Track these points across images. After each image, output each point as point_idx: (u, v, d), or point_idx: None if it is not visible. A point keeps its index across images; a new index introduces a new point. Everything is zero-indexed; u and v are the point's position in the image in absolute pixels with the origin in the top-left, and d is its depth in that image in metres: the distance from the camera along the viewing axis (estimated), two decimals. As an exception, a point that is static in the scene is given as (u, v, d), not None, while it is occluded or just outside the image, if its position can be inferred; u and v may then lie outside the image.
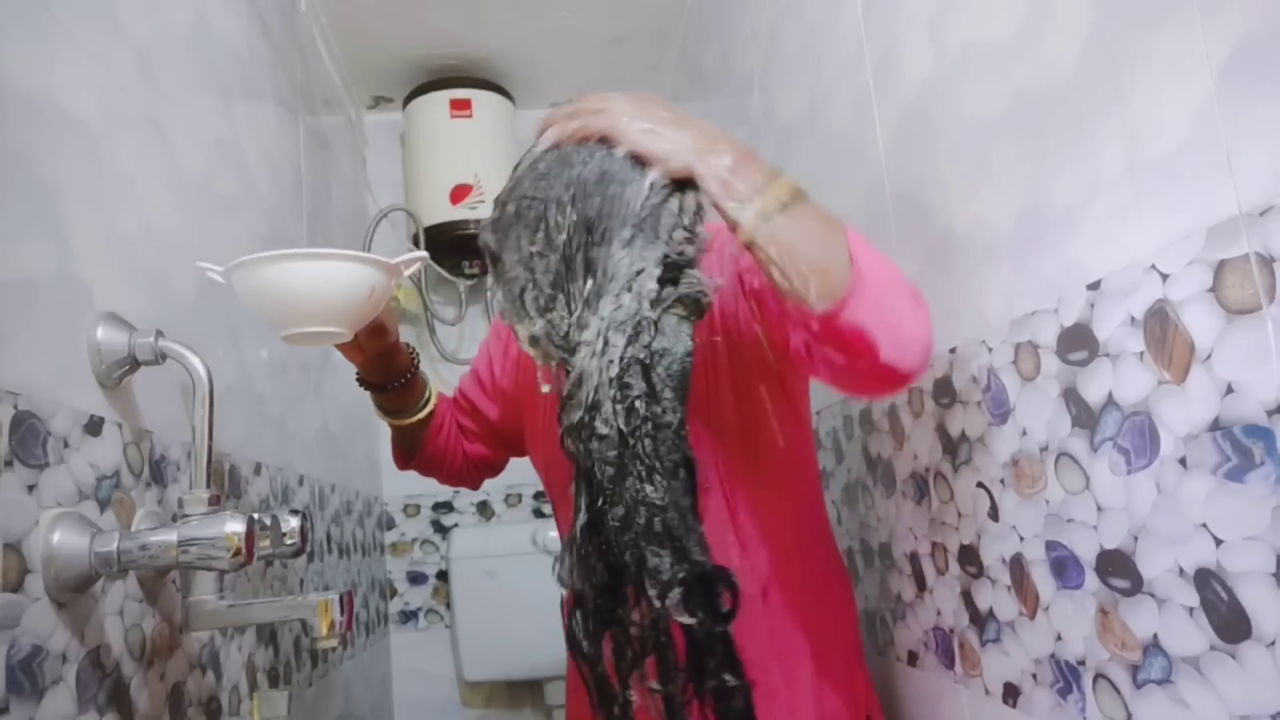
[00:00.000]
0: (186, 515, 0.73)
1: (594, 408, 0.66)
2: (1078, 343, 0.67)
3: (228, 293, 0.79)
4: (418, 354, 1.00)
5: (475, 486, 1.15)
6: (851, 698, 0.90)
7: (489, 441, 1.09)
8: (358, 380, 0.99)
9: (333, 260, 0.76)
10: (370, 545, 2.01)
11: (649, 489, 0.66)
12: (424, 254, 0.92)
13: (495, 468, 1.13)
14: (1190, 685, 0.58)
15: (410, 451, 1.07)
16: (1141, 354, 0.60)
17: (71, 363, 0.71)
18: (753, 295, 0.83)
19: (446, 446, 1.07)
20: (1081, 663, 0.69)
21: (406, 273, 0.85)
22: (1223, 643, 0.55)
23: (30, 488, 0.63)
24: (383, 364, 0.96)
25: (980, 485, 0.83)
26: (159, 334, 0.77)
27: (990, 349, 0.79)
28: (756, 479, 0.87)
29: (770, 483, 0.88)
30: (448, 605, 2.20)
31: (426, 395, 1.03)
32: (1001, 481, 0.79)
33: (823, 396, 1.27)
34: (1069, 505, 0.69)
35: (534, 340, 0.71)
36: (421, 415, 1.02)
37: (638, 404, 0.66)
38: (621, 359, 0.66)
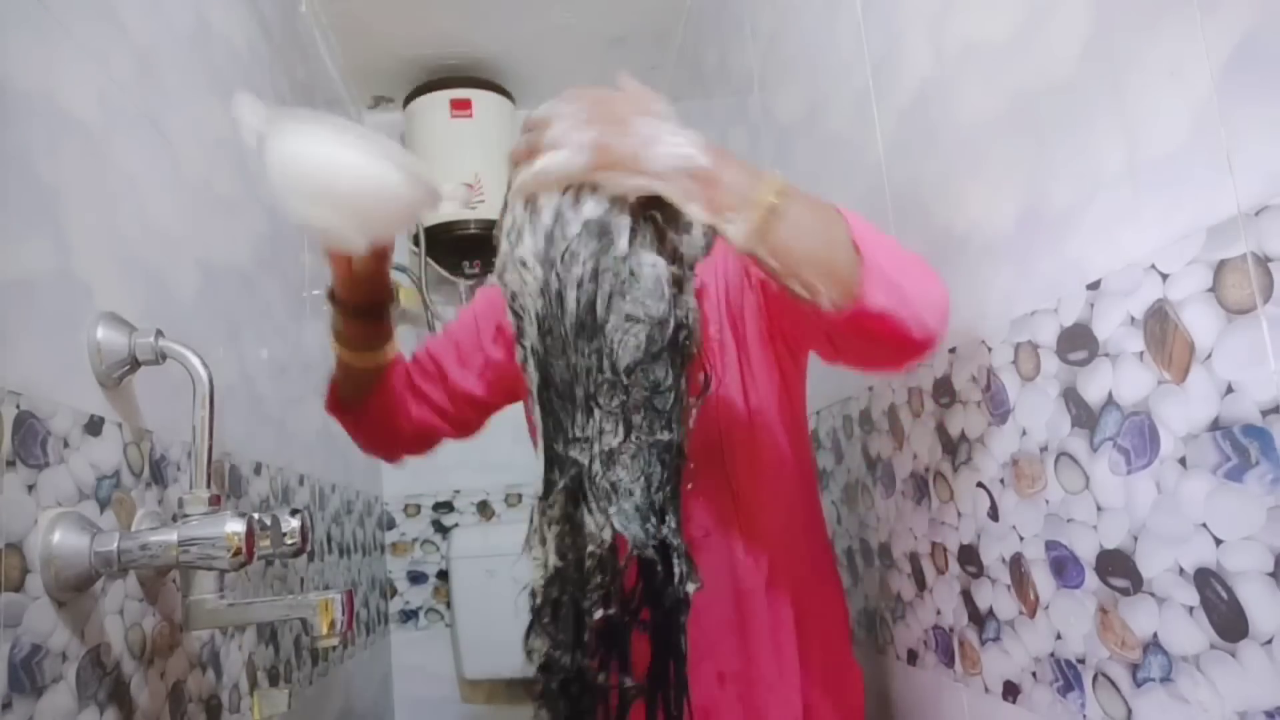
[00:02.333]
0: (187, 515, 0.73)
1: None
2: (1077, 342, 0.67)
3: (227, 292, 0.79)
4: (398, 290, 0.91)
5: (393, 459, 1.04)
6: (848, 691, 0.92)
7: (442, 412, 0.98)
8: (328, 295, 0.87)
9: (383, 162, 0.68)
10: (371, 545, 2.01)
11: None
12: (465, 187, 0.90)
13: (431, 442, 1.02)
14: (1190, 683, 0.58)
15: (351, 399, 0.94)
16: (1141, 354, 0.60)
17: (72, 362, 0.71)
18: (760, 286, 0.83)
19: (391, 406, 0.96)
20: (1081, 661, 0.69)
21: (448, 186, 0.81)
22: (1223, 641, 0.55)
23: (30, 487, 0.63)
24: (366, 285, 0.85)
25: (980, 485, 0.83)
26: (159, 334, 0.77)
27: (990, 349, 0.79)
28: (761, 475, 0.88)
29: (774, 479, 0.89)
30: (448, 604, 2.21)
31: (390, 343, 0.92)
32: (1001, 481, 0.79)
33: (823, 396, 1.27)
34: (1069, 505, 0.69)
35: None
36: (380, 361, 0.91)
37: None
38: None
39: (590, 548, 0.68)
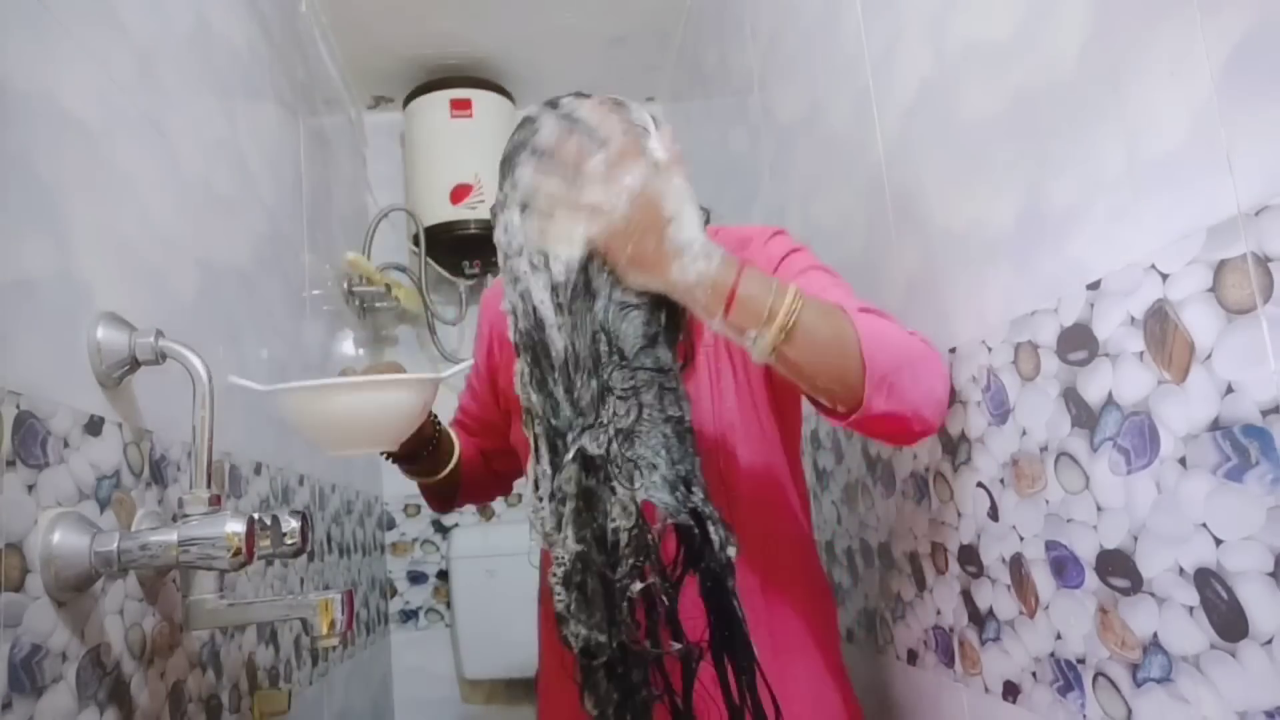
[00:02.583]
0: (187, 515, 0.73)
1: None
2: (1077, 342, 0.67)
3: (227, 292, 0.79)
4: (435, 416, 0.95)
5: (508, 492, 1.15)
6: (844, 693, 0.91)
7: (511, 451, 1.02)
8: (384, 456, 0.95)
9: (381, 390, 0.78)
10: (371, 545, 2.01)
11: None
12: (468, 363, 0.95)
13: (523, 471, 1.07)
14: (1190, 683, 0.58)
15: (448, 498, 1.07)
16: (1141, 354, 0.60)
17: (72, 362, 0.71)
18: None
19: (478, 478, 1.07)
20: (1081, 661, 0.69)
21: (447, 374, 0.86)
22: (1223, 641, 0.55)
23: (30, 487, 0.63)
24: (411, 442, 0.92)
25: (980, 485, 0.83)
26: (159, 334, 0.77)
27: (990, 349, 0.79)
28: (759, 479, 0.88)
29: (771, 485, 0.89)
30: (448, 604, 2.21)
31: (453, 447, 1.00)
32: (1001, 481, 0.79)
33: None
34: (1069, 505, 0.69)
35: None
36: (452, 471, 1.00)
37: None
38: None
39: (618, 523, 0.67)
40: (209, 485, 0.76)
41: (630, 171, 0.66)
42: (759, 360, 0.68)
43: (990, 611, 0.83)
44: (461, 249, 2.16)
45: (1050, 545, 0.72)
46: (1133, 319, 0.60)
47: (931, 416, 0.73)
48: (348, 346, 1.93)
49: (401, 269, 2.21)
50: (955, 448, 0.87)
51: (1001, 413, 0.78)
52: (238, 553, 0.67)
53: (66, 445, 0.68)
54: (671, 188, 0.67)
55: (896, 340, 0.72)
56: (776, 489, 0.90)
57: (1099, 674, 0.67)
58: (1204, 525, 0.56)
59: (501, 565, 2.06)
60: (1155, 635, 0.61)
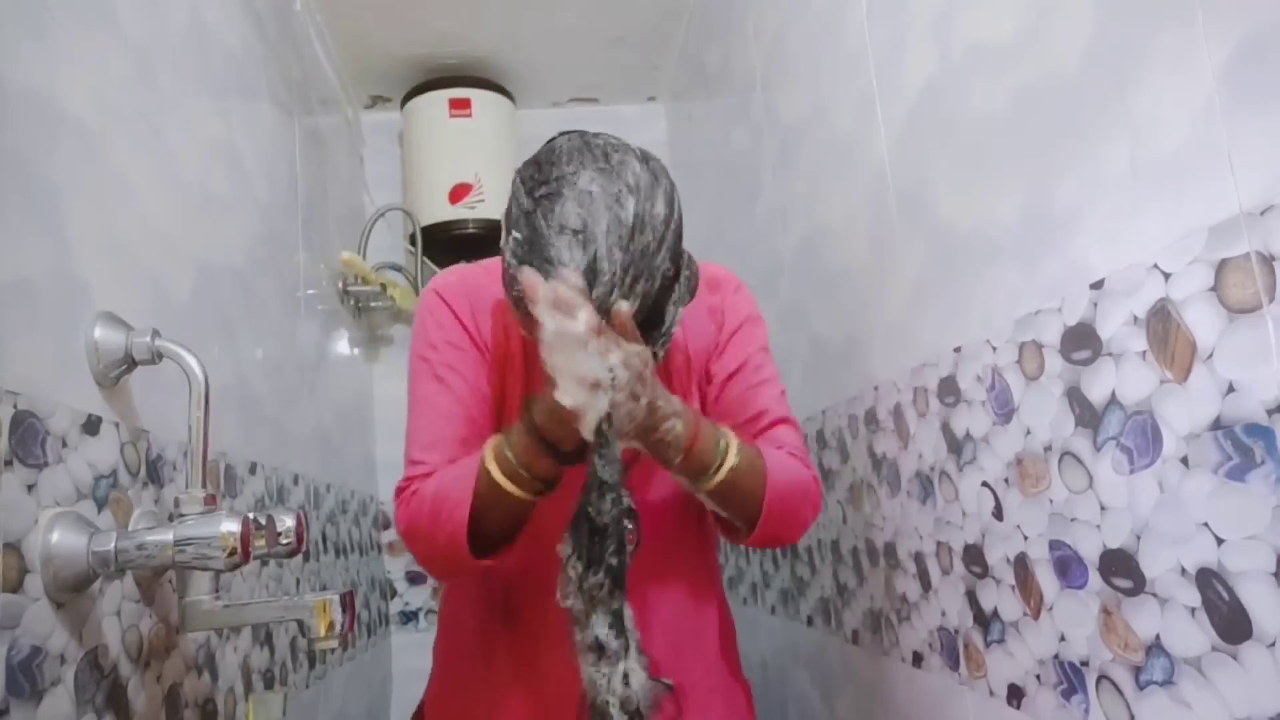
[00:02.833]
0: (183, 515, 0.73)
1: None
2: (1081, 342, 0.66)
3: (222, 292, 0.79)
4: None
5: None
6: (750, 702, 0.94)
7: None
8: (547, 451, 0.75)
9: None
10: (367, 545, 2.00)
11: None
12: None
13: None
14: (1192, 686, 0.58)
15: (503, 538, 0.79)
16: (1144, 353, 0.60)
17: (70, 362, 0.71)
18: (716, 361, 0.92)
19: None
20: (1085, 664, 0.69)
21: None
22: (1224, 643, 0.55)
23: (29, 487, 0.63)
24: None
25: (984, 485, 0.82)
26: (155, 333, 0.77)
27: (994, 348, 0.79)
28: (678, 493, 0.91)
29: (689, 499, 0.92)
30: (446, 606, 2.20)
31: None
32: (1005, 481, 0.79)
33: (828, 395, 1.26)
34: (1072, 504, 0.69)
35: None
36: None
37: None
38: None
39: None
40: (204, 485, 0.76)
41: (620, 347, 0.69)
42: (690, 490, 0.80)
43: (995, 613, 0.83)
44: (460, 248, 2.16)
45: (1054, 545, 0.72)
46: (1135, 318, 0.60)
47: (795, 538, 0.88)
48: (343, 346, 1.92)
49: (397, 268, 2.21)
50: (960, 447, 0.87)
51: (1006, 412, 0.78)
52: (233, 552, 0.67)
53: (65, 445, 0.68)
54: (646, 354, 0.72)
55: (794, 486, 0.83)
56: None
57: (1102, 677, 0.67)
58: (1205, 525, 0.55)
59: (499, 566, 2.06)
60: (1158, 637, 0.61)
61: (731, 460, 0.78)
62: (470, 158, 2.13)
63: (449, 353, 0.85)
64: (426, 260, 2.17)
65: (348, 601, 0.75)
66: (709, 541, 0.95)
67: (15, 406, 0.61)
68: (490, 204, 2.12)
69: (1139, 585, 0.62)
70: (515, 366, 0.87)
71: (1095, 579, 0.67)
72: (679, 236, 0.77)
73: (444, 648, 0.97)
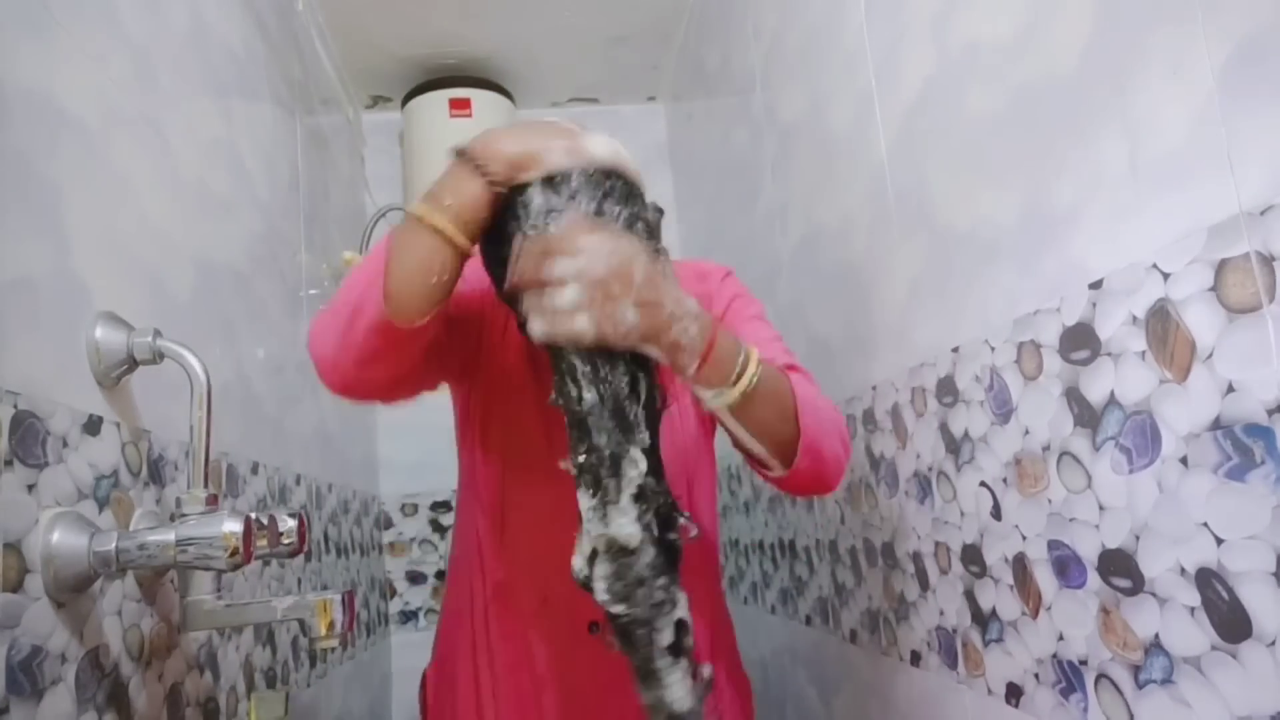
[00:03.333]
0: (184, 515, 0.73)
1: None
2: (1080, 342, 0.67)
3: (223, 292, 0.79)
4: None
5: (392, 400, 0.85)
6: (748, 700, 0.95)
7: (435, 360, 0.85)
8: (475, 170, 0.69)
9: None
10: (368, 545, 2.01)
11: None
12: None
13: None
14: (1191, 685, 0.58)
15: (427, 306, 0.71)
16: (1143, 353, 0.60)
17: (70, 362, 0.71)
18: None
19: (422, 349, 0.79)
20: (1084, 662, 0.69)
21: None
22: (1224, 642, 0.55)
23: (30, 487, 0.63)
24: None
25: (983, 484, 0.82)
26: (157, 333, 0.77)
27: (993, 348, 0.79)
28: (703, 494, 0.92)
29: (707, 499, 0.93)
30: (446, 605, 2.20)
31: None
32: (1004, 481, 0.79)
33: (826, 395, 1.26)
34: (1071, 504, 0.69)
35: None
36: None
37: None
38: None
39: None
40: (206, 485, 0.76)
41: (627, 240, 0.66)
42: (713, 411, 0.73)
43: (993, 612, 0.83)
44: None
45: (1053, 545, 0.72)
46: (1134, 318, 0.60)
47: (834, 482, 0.80)
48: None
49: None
50: (958, 447, 0.87)
51: (1004, 412, 0.78)
52: (235, 552, 0.67)
53: (65, 445, 0.68)
54: (631, 250, 0.66)
55: (823, 409, 0.79)
56: (714, 505, 0.96)
57: (1101, 675, 0.67)
58: (1205, 525, 0.56)
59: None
60: (1157, 636, 0.61)
61: (754, 369, 0.71)
62: (471, 158, 2.13)
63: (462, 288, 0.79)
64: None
65: (348, 601, 0.75)
66: (707, 536, 0.96)
67: (15, 406, 0.62)
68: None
69: (1138, 585, 0.62)
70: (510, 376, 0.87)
71: (1094, 579, 0.67)
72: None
73: (446, 616, 0.98)
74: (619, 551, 0.64)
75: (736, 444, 0.76)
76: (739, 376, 0.71)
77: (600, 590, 0.64)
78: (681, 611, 0.66)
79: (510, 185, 0.68)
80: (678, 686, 0.65)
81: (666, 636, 0.65)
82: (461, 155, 0.69)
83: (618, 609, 0.64)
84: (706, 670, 0.68)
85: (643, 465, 0.65)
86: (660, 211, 0.74)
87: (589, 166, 0.68)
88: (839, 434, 0.80)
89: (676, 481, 0.90)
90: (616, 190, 0.69)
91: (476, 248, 0.73)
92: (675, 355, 0.69)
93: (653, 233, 0.71)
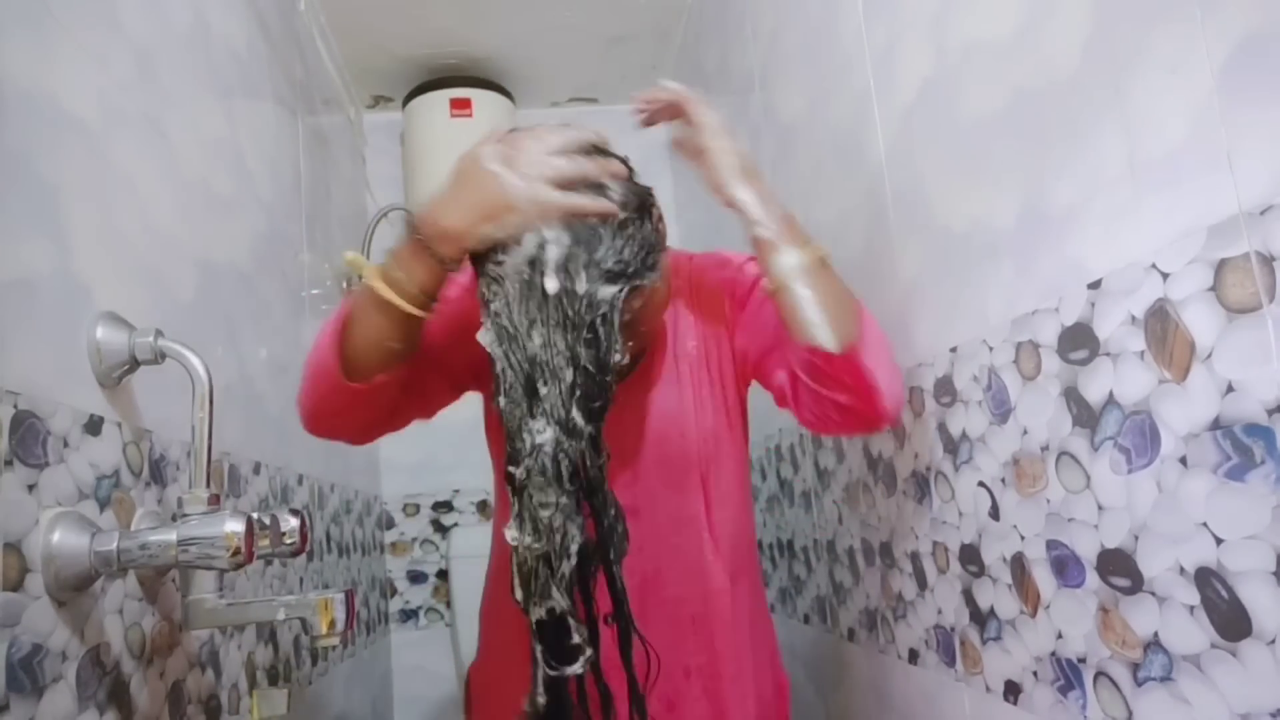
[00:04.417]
0: (186, 514, 0.73)
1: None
2: (1078, 342, 0.67)
3: (226, 292, 0.79)
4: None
5: (364, 441, 0.90)
6: (783, 691, 0.97)
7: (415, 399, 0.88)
8: (424, 244, 0.77)
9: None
10: (370, 544, 2.01)
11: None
12: None
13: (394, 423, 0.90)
14: (1191, 683, 0.58)
15: (378, 365, 0.77)
16: (1142, 353, 0.60)
17: (71, 362, 0.71)
18: (733, 328, 0.92)
19: (395, 390, 0.82)
20: (1082, 660, 0.69)
21: None
22: (1223, 641, 0.55)
23: (30, 487, 0.63)
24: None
25: (981, 484, 0.83)
26: (158, 333, 0.77)
27: (991, 348, 0.79)
28: (727, 483, 0.93)
29: (737, 488, 0.94)
30: (448, 604, 2.20)
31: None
32: (1002, 481, 0.79)
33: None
34: (1070, 504, 0.69)
35: None
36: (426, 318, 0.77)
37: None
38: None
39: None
40: (208, 485, 0.76)
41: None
42: (787, 272, 0.75)
43: (991, 611, 0.83)
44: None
45: (1051, 544, 0.72)
46: (1133, 318, 0.60)
47: (894, 404, 0.77)
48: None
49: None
50: (956, 447, 0.87)
51: (1003, 412, 0.78)
52: (237, 552, 0.67)
53: (66, 445, 0.68)
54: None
55: (885, 336, 0.79)
56: (745, 494, 0.96)
57: (1100, 673, 0.67)
58: (1204, 525, 0.56)
59: (501, 565, 2.06)
60: (1156, 634, 0.61)
61: (825, 249, 0.78)
62: (471, 157, 2.13)
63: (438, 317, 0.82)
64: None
65: (349, 600, 0.75)
66: (743, 533, 0.96)
67: (16, 406, 0.62)
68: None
69: (1137, 584, 0.62)
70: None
71: (1093, 578, 0.67)
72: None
73: (486, 614, 1.00)
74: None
75: (793, 326, 0.76)
76: (811, 241, 0.77)
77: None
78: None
79: (462, 259, 0.74)
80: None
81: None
82: (414, 231, 0.76)
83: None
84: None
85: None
86: (644, 191, 0.81)
87: (529, 226, 0.73)
88: (894, 360, 0.79)
89: (689, 471, 0.89)
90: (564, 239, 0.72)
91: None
92: (765, 202, 0.77)
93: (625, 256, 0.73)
